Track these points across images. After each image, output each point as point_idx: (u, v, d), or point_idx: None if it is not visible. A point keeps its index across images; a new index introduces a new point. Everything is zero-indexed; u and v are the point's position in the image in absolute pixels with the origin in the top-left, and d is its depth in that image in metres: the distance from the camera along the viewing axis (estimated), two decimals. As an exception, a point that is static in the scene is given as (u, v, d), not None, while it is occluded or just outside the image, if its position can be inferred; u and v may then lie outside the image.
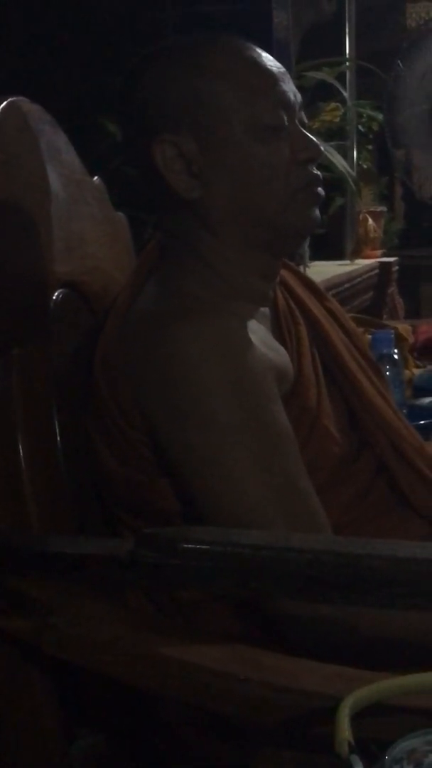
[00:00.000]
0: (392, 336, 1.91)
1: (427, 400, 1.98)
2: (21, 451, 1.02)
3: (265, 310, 1.18)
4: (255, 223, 1.12)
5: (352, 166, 3.87)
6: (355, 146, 4.09)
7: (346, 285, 3.43)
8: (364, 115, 4.16)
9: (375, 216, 4.32)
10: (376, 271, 4.02)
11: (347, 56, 4.10)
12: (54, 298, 1.13)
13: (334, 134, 3.78)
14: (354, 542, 0.86)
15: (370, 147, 4.42)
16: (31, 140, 1.12)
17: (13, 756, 1.03)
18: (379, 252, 4.27)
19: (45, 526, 1.03)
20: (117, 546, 0.93)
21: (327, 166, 3.07)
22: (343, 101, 3.82)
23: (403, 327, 2.45)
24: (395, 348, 1.88)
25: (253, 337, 1.07)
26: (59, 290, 1.14)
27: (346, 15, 4.11)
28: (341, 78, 3.83)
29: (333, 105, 3.77)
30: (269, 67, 1.11)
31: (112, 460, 1.09)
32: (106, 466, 1.10)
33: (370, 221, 4.24)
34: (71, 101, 2.90)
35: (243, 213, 1.11)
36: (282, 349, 1.15)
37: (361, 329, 1.65)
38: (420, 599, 0.79)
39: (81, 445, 1.11)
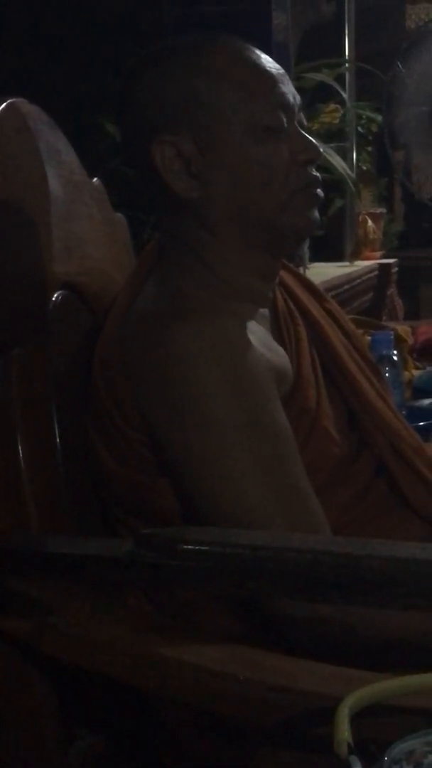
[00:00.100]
0: (392, 337, 1.91)
1: (426, 401, 1.98)
2: (20, 451, 1.02)
3: (265, 311, 1.18)
4: (254, 224, 1.12)
5: (351, 168, 3.87)
6: (354, 148, 4.10)
7: (346, 286, 3.43)
8: (364, 117, 4.16)
9: (374, 217, 4.32)
10: (376, 272, 4.02)
11: (346, 57, 4.11)
12: (53, 298, 1.13)
13: (333, 136, 3.78)
14: (353, 543, 0.86)
15: (369, 148, 4.43)
16: (30, 141, 1.12)
17: (13, 756, 1.03)
18: (378, 253, 4.28)
19: (44, 526, 1.03)
20: (116, 546, 0.93)
21: (326, 168, 3.08)
22: (342, 103, 3.82)
23: (403, 328, 2.45)
24: (395, 349, 1.88)
25: (252, 338, 1.07)
26: (58, 291, 1.14)
27: (346, 16, 4.12)
28: (340, 79, 3.83)
29: (332, 106, 3.77)
30: (268, 68, 1.11)
31: (112, 460, 1.09)
32: (105, 466, 1.10)
33: (370, 223, 4.25)
34: (70, 101, 2.90)
35: (242, 213, 1.11)
36: (281, 350, 1.15)
37: (360, 330, 1.65)
38: (419, 600, 0.79)
39: (80, 445, 1.11)
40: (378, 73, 4.03)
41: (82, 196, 1.25)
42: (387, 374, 1.68)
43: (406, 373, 2.14)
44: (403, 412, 1.66)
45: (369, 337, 1.89)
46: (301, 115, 1.15)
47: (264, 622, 1.02)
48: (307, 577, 0.81)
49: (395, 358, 1.85)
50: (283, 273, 1.25)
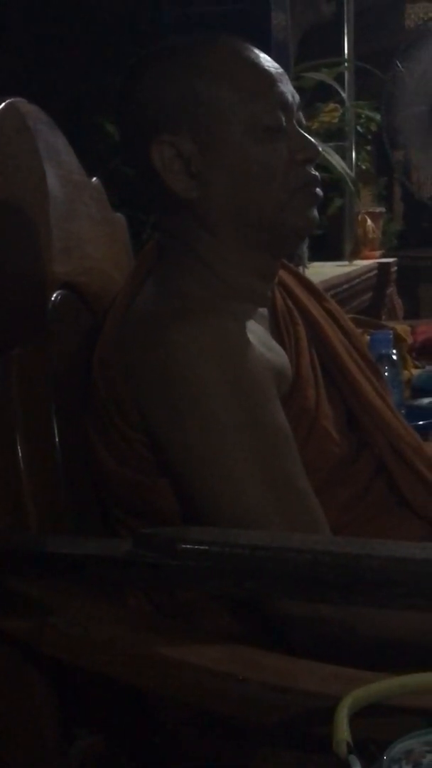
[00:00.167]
0: (391, 336, 1.91)
1: (425, 400, 1.98)
2: (20, 451, 1.02)
3: (264, 310, 1.18)
4: (253, 224, 1.12)
5: (350, 167, 3.87)
6: (353, 147, 4.10)
7: (345, 286, 3.43)
8: (363, 116, 4.16)
9: (374, 217, 4.32)
10: (375, 271, 4.02)
11: (346, 57, 4.11)
12: (53, 298, 1.13)
13: (332, 135, 3.78)
14: (353, 542, 0.86)
15: (368, 148, 4.43)
16: (29, 141, 1.12)
17: (12, 756, 1.03)
18: (377, 253, 4.28)
19: (44, 526, 1.03)
20: (116, 546, 0.93)
21: (326, 167, 3.07)
22: (341, 102, 3.82)
23: (402, 327, 2.45)
24: (394, 348, 1.88)
25: (252, 338, 1.07)
26: (58, 291, 1.14)
27: (345, 16, 4.11)
28: (340, 79, 3.83)
29: (332, 106, 3.77)
30: (267, 67, 1.11)
31: (111, 460, 1.09)
32: (104, 466, 1.10)
33: (369, 222, 4.25)
34: (70, 101, 2.90)
35: (241, 213, 1.11)
36: (280, 350, 1.15)
37: (359, 330, 1.64)
38: (419, 599, 0.79)
39: (80, 445, 1.11)
40: (377, 73, 4.03)
41: (81, 196, 1.25)
42: (386, 373, 1.68)
43: (406, 373, 2.14)
44: (403, 412, 1.66)
45: (368, 337, 1.89)
46: (300, 114, 1.15)
47: (264, 622, 1.02)
48: (307, 577, 0.81)
49: (394, 357, 1.85)
50: (282, 272, 1.25)
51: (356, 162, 4.16)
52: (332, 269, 3.59)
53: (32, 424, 1.05)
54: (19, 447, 1.02)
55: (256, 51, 1.13)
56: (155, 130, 1.10)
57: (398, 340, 2.23)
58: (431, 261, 4.87)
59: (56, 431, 1.09)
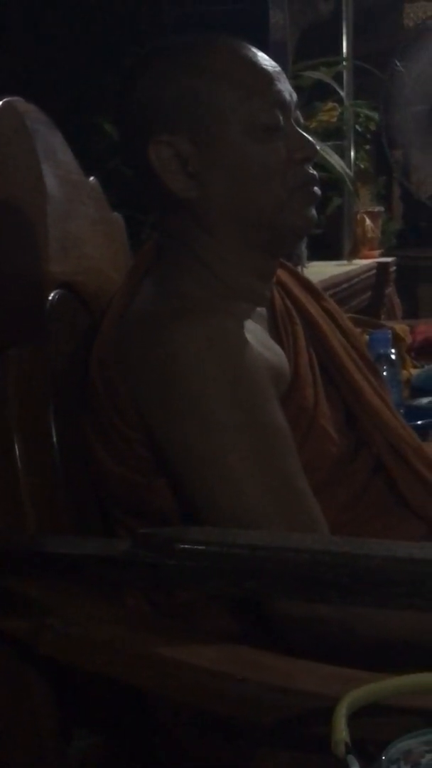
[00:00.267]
0: (390, 336, 1.91)
1: (424, 400, 1.98)
2: (17, 451, 1.02)
3: (262, 310, 1.18)
4: (252, 223, 1.12)
5: (349, 166, 3.87)
6: (352, 146, 4.09)
7: (344, 285, 3.42)
8: (362, 115, 4.16)
9: (372, 216, 4.31)
10: (374, 271, 4.01)
11: (344, 56, 4.10)
12: (50, 298, 1.13)
13: (331, 134, 3.78)
14: (351, 542, 0.86)
15: (367, 147, 4.43)
16: (27, 141, 1.12)
17: (11, 756, 1.03)
18: (376, 252, 4.27)
19: (42, 526, 1.03)
20: (114, 546, 0.93)
21: (324, 166, 3.07)
22: (340, 101, 3.82)
23: (401, 327, 2.45)
24: (393, 348, 1.88)
25: (250, 337, 1.07)
26: (56, 290, 1.14)
27: (344, 15, 4.11)
28: (338, 78, 3.83)
29: (330, 105, 3.77)
30: (265, 66, 1.11)
31: (109, 460, 1.09)
32: (103, 466, 1.10)
33: (368, 221, 4.24)
34: (70, 101, 2.90)
35: (240, 213, 1.11)
36: (279, 349, 1.15)
37: (358, 329, 1.64)
38: (417, 599, 0.79)
39: (78, 445, 1.11)
40: (376, 72, 4.04)
41: (79, 195, 1.25)
42: (385, 373, 1.68)
43: (404, 372, 2.14)
44: (401, 411, 1.65)
45: (367, 336, 1.89)
46: (298, 113, 1.15)
47: (262, 622, 1.02)
48: (306, 577, 0.81)
49: (393, 356, 1.85)
50: (280, 272, 1.25)
51: (355, 161, 4.16)
52: (331, 269, 3.59)
53: (30, 424, 1.04)
54: (16, 447, 1.02)
55: (254, 50, 1.13)
56: (153, 130, 1.10)
57: (397, 340, 2.23)
58: (430, 261, 4.87)
59: (54, 431, 1.09)
